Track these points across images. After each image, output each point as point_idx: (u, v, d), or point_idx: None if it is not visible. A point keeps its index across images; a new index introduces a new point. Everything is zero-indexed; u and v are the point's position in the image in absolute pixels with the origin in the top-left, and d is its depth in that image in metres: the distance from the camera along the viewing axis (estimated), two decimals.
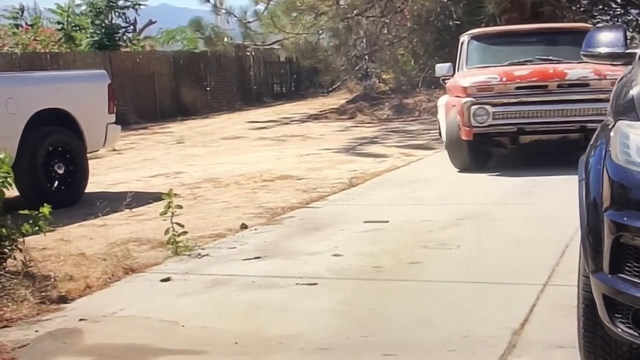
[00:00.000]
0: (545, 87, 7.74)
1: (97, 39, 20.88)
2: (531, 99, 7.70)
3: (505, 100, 7.71)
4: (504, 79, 7.86)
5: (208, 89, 22.15)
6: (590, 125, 7.13)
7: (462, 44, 9.06)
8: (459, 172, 8.24)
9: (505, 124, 7.71)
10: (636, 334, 2.40)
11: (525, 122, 7.68)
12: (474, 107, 7.66)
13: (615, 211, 2.42)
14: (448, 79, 8.98)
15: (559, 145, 7.96)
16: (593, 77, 7.57)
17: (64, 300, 4.28)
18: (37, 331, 3.82)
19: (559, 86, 7.73)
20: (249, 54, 23.31)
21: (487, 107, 7.66)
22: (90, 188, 7.95)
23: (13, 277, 4.39)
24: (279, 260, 4.98)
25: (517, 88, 7.77)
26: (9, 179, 4.72)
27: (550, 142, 8.09)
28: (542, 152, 8.36)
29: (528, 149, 8.41)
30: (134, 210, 6.76)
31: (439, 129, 9.65)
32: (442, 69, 9.10)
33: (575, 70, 7.75)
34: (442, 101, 9.41)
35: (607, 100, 7.05)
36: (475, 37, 8.89)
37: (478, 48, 8.78)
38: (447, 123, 8.20)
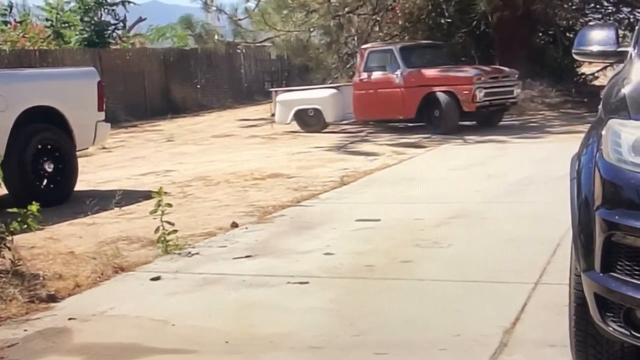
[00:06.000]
0: (497, 77, 12.70)
1: (86, 36, 20.78)
2: (493, 85, 12.43)
3: (487, 85, 12.27)
4: (485, 73, 12.68)
5: (198, 86, 22.08)
6: (507, 102, 12.76)
7: (387, 51, 13.26)
8: (450, 169, 8.39)
9: (486, 100, 12.21)
10: (627, 332, 2.39)
11: (492, 98, 12.31)
12: (478, 90, 12.01)
13: (607, 209, 2.41)
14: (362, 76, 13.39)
15: None
16: (509, 72, 13.00)
17: (53, 299, 4.25)
18: (25, 330, 3.79)
19: (501, 78, 12.73)
20: (239, 51, 23.23)
21: (483, 90, 12.12)
22: (79, 186, 7.89)
23: (1, 275, 4.36)
24: (270, 259, 4.96)
25: (490, 78, 12.51)
26: None
27: None
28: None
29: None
30: (123, 208, 6.72)
31: (274, 113, 14.20)
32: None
33: (504, 68, 13.17)
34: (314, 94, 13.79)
35: (510, 86, 12.92)
36: (402, 49, 13.20)
37: (407, 55, 13.00)
38: (445, 101, 12.19)
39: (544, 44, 17.48)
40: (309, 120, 13.76)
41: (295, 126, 13.90)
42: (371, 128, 13.60)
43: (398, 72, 12.78)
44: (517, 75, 13.00)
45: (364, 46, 14.08)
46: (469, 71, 12.75)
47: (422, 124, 12.59)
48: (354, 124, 13.86)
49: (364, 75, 13.25)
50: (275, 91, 15.00)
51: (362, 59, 13.40)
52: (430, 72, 12.70)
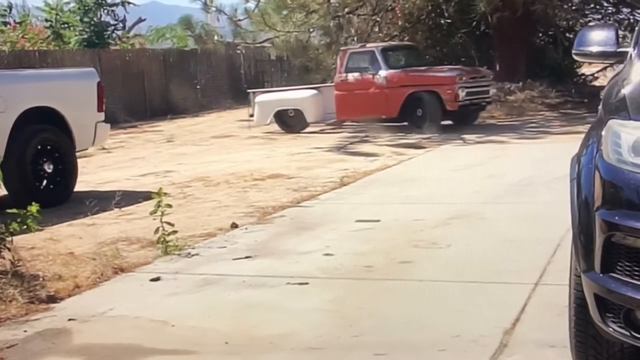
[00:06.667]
0: (476, 77, 13.22)
1: (85, 36, 20.80)
2: (473, 84, 12.93)
3: (468, 85, 12.76)
4: (465, 73, 13.18)
5: (198, 87, 22.09)
6: (483, 102, 13.32)
7: (368, 53, 13.54)
8: (452, 170, 8.38)
9: (467, 99, 12.70)
10: (627, 333, 2.39)
11: (472, 97, 12.83)
12: (460, 89, 12.51)
13: (607, 210, 2.41)
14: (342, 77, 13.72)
15: None
16: (485, 73, 13.81)
17: (52, 299, 4.25)
18: (25, 331, 3.79)
19: (479, 78, 13.29)
20: (239, 51, 23.25)
21: (465, 89, 12.62)
22: (79, 187, 7.89)
23: (1, 276, 4.36)
24: (270, 260, 4.96)
25: (470, 78, 12.97)
26: None
27: None
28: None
29: None
30: (123, 209, 6.72)
31: (253, 114, 14.55)
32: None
33: (481, 69, 14.16)
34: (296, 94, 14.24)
35: (487, 86, 13.67)
36: (383, 50, 13.59)
37: (388, 56, 13.44)
38: (428, 101, 12.62)
39: (544, 44, 17.49)
40: (289, 121, 14.11)
41: (274, 127, 14.19)
42: (370, 129, 13.66)
43: (381, 73, 13.17)
44: (492, 76, 13.67)
45: (343, 48, 14.57)
46: (450, 71, 13.25)
47: (404, 123, 12.92)
48: (334, 124, 14.19)
49: (345, 76, 13.61)
50: (254, 92, 15.29)
51: (343, 60, 13.74)
52: (413, 73, 13.13)
